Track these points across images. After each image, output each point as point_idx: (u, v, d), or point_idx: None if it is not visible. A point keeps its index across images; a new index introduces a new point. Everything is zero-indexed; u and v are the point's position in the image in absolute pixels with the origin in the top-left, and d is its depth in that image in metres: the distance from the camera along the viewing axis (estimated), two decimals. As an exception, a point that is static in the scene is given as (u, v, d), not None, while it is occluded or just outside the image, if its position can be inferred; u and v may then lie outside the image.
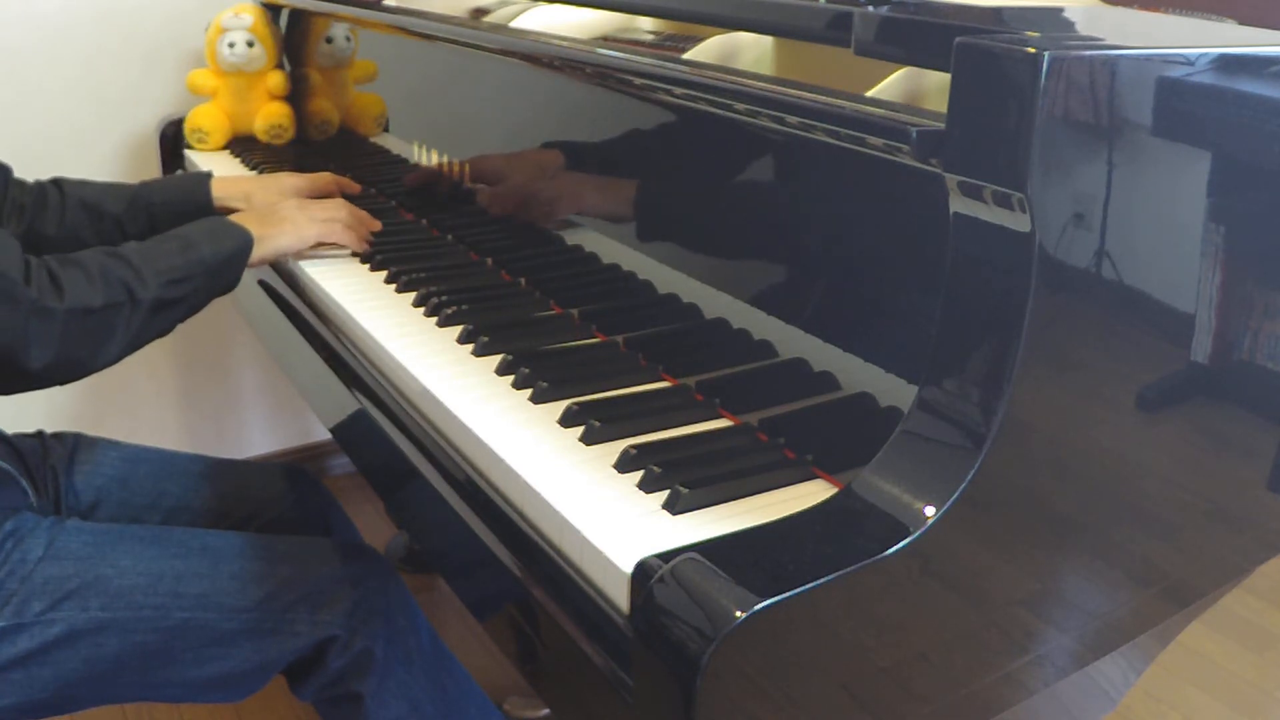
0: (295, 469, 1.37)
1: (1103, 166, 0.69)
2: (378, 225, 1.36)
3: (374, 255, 1.30)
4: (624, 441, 0.85)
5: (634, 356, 1.01)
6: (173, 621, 1.05)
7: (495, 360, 1.01)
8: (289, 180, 1.41)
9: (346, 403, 1.11)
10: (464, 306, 1.13)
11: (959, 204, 0.70)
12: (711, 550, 0.67)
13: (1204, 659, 1.91)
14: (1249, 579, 1.00)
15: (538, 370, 0.97)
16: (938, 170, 0.70)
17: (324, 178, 1.44)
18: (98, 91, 1.97)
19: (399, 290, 1.21)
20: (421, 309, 1.15)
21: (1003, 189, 0.66)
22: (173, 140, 1.92)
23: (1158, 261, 0.76)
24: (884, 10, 0.79)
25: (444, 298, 1.15)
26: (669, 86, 0.95)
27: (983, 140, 0.67)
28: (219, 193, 1.35)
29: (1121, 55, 0.68)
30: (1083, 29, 0.85)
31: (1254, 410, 0.89)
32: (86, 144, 1.98)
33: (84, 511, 1.23)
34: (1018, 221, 0.67)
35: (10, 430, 1.25)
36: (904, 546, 0.66)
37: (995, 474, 0.68)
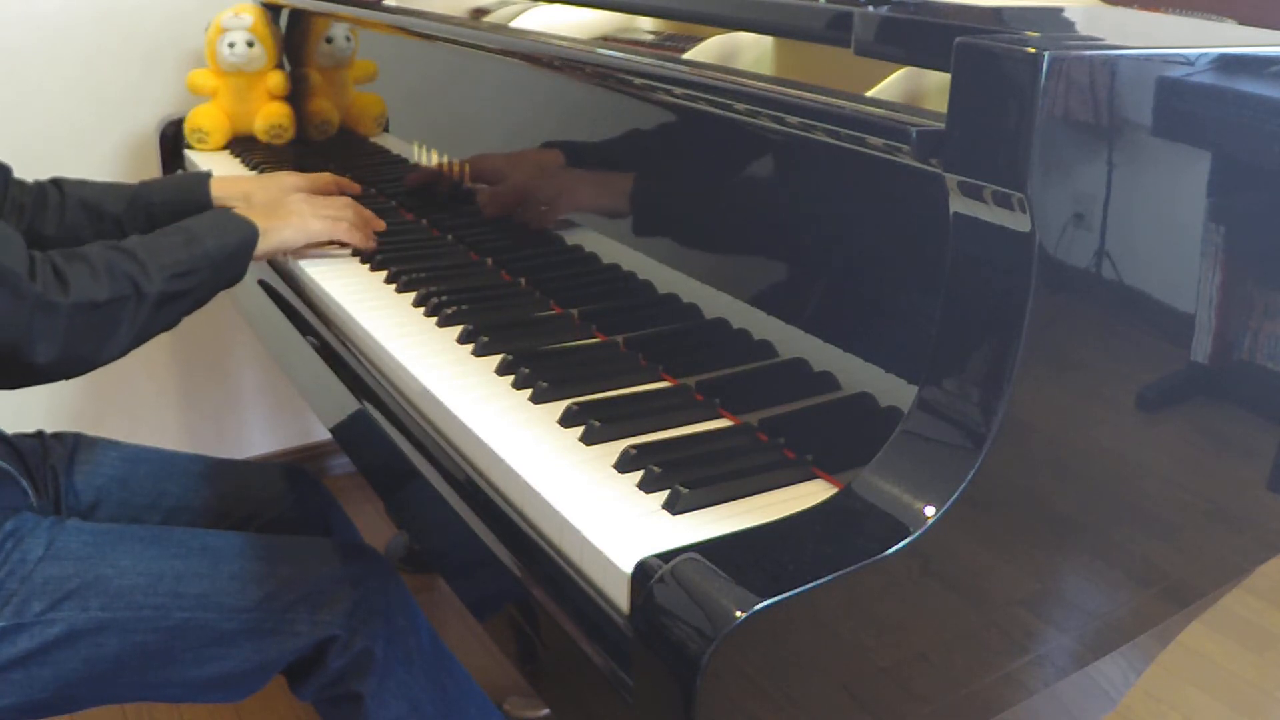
0: (295, 469, 1.37)
1: (1103, 166, 0.69)
2: (382, 225, 1.36)
3: (374, 255, 1.30)
4: (624, 441, 0.85)
5: (634, 356, 1.01)
6: (173, 621, 1.05)
7: (495, 360, 1.01)
8: (289, 179, 1.41)
9: (346, 403, 1.11)
10: (464, 306, 1.13)
11: (959, 204, 0.70)
12: (711, 550, 0.67)
13: (1204, 659, 1.91)
14: (1249, 579, 1.00)
15: (538, 370, 0.97)
16: (938, 170, 0.70)
17: (324, 177, 1.44)
18: (98, 91, 1.97)
19: (399, 290, 1.21)
20: (421, 309, 1.15)
21: (1003, 189, 0.66)
22: (173, 140, 1.92)
23: (1158, 261, 0.76)
24: (884, 10, 0.79)
25: (444, 298, 1.15)
26: (669, 86, 0.95)
27: (983, 140, 0.67)
28: (218, 192, 1.35)
29: (1121, 55, 0.68)
30: (1083, 29, 0.85)
31: (1254, 410, 0.89)
32: (86, 144, 1.98)
33: (84, 511, 1.23)
34: (1018, 221, 0.67)
35: (10, 430, 1.25)
36: (904, 546, 0.66)
37: (995, 474, 0.68)
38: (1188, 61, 0.72)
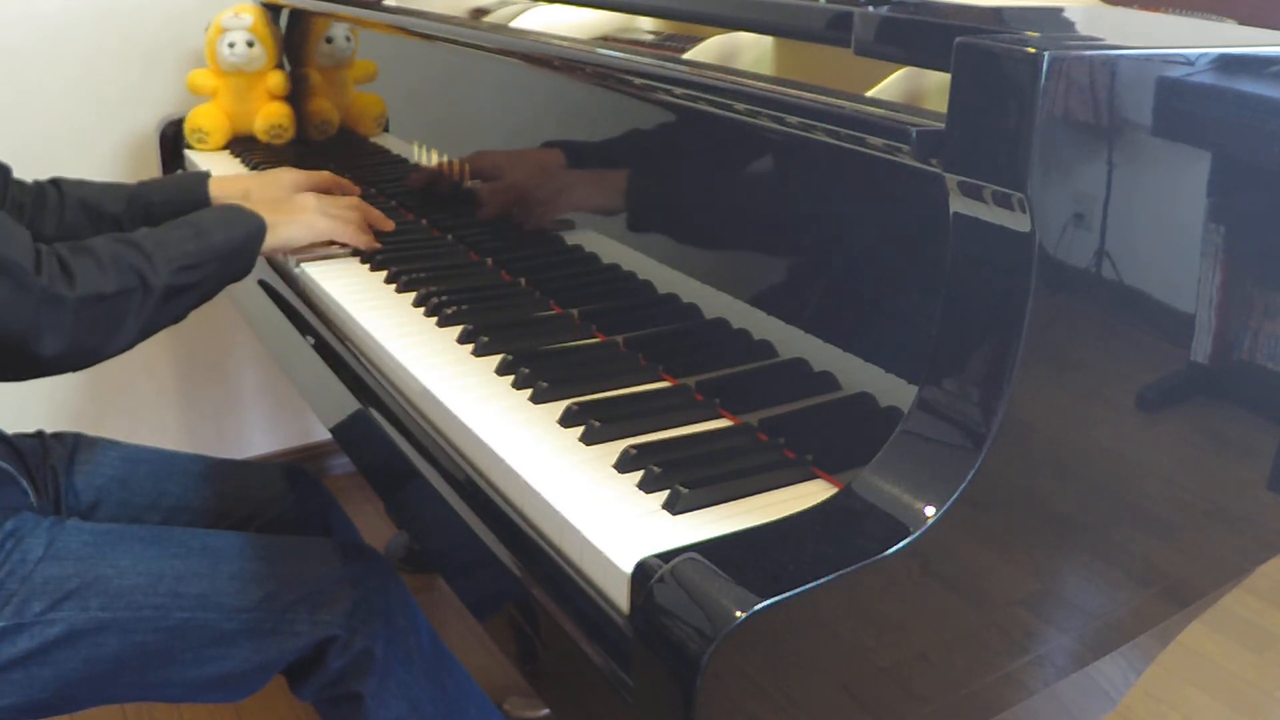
0: (295, 469, 1.37)
1: (1103, 166, 0.69)
2: (390, 225, 1.36)
3: (374, 255, 1.30)
4: (624, 441, 0.85)
5: (634, 356, 1.01)
6: (173, 621, 1.05)
7: (495, 360, 1.01)
8: (288, 176, 1.40)
9: (346, 403, 1.11)
10: (464, 306, 1.13)
11: (959, 204, 0.70)
12: (711, 550, 0.67)
13: (1204, 659, 1.91)
14: (1249, 579, 1.00)
15: (538, 370, 0.97)
16: (938, 170, 0.70)
17: (322, 175, 1.44)
18: (98, 91, 1.97)
19: (399, 290, 1.21)
20: (421, 309, 1.15)
21: (1003, 189, 0.66)
22: (173, 140, 1.92)
23: (1158, 261, 0.76)
24: (884, 10, 0.79)
25: (444, 298, 1.15)
26: (669, 86, 0.95)
27: (983, 140, 0.67)
28: (217, 191, 1.35)
29: (1121, 55, 0.68)
30: (1083, 29, 0.85)
31: (1254, 410, 0.89)
32: (86, 144, 1.98)
33: (84, 511, 1.23)
34: (1018, 221, 0.67)
35: (10, 430, 1.25)
36: (904, 546, 0.66)
37: (995, 474, 0.68)
38: (1188, 61, 0.72)
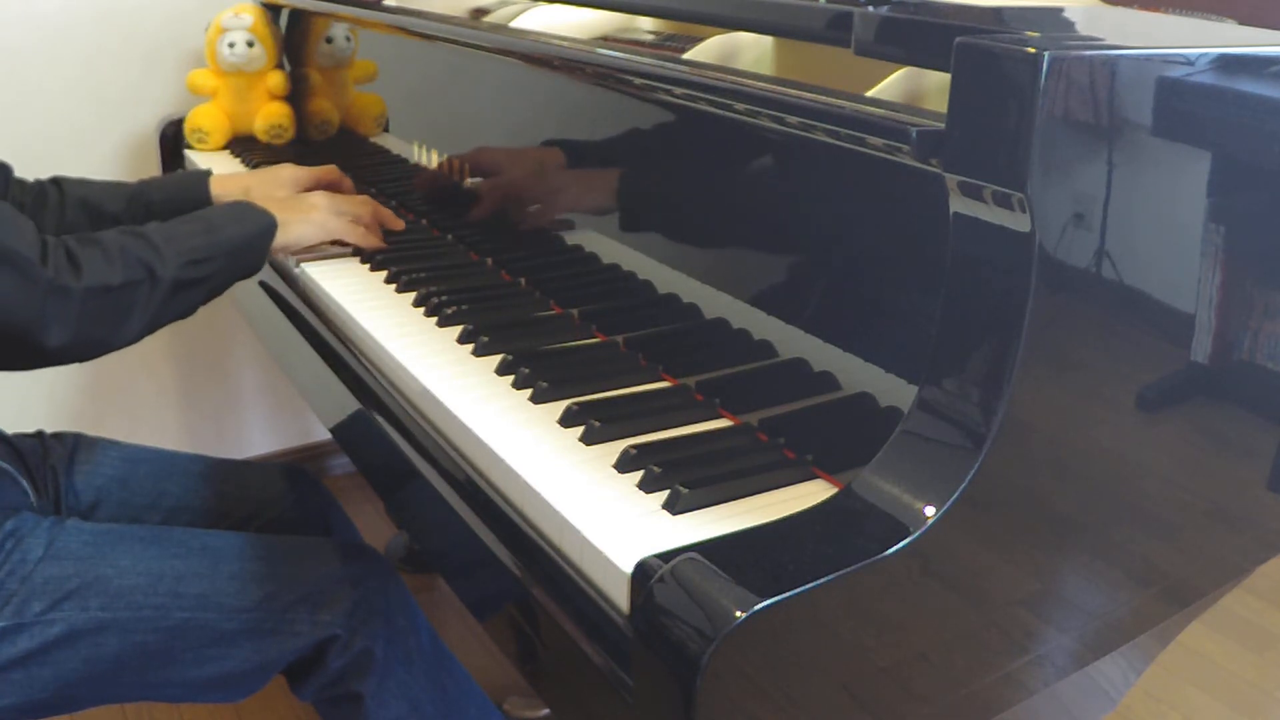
0: (295, 469, 1.37)
1: (1103, 166, 0.69)
2: (400, 224, 1.36)
3: (374, 255, 1.30)
4: (624, 441, 0.85)
5: (634, 356, 1.01)
6: (173, 621, 1.05)
7: (495, 360, 1.01)
8: (288, 173, 1.40)
9: (346, 403, 1.11)
10: (464, 306, 1.13)
11: (959, 204, 0.70)
12: (711, 550, 0.67)
13: (1204, 659, 1.91)
14: (1249, 579, 1.00)
15: (538, 370, 0.97)
16: (938, 170, 0.70)
17: (325, 170, 1.44)
18: (98, 91, 1.97)
19: (399, 290, 1.21)
20: (421, 309, 1.15)
21: (1003, 189, 0.66)
22: (173, 140, 1.92)
23: (1158, 261, 0.76)
24: (884, 10, 0.79)
25: (444, 298, 1.15)
26: (669, 86, 0.95)
27: (983, 140, 0.67)
28: (218, 190, 1.35)
29: (1121, 55, 0.68)
30: (1083, 29, 0.85)
31: (1254, 410, 0.89)
32: (86, 144, 1.98)
33: (84, 511, 1.23)
34: (1018, 221, 0.67)
35: (10, 430, 1.25)
36: (904, 546, 0.66)
37: (995, 474, 0.68)
38: (1188, 61, 0.72)
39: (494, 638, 1.07)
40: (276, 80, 1.84)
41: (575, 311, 1.12)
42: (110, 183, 1.34)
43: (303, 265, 1.28)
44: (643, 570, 0.68)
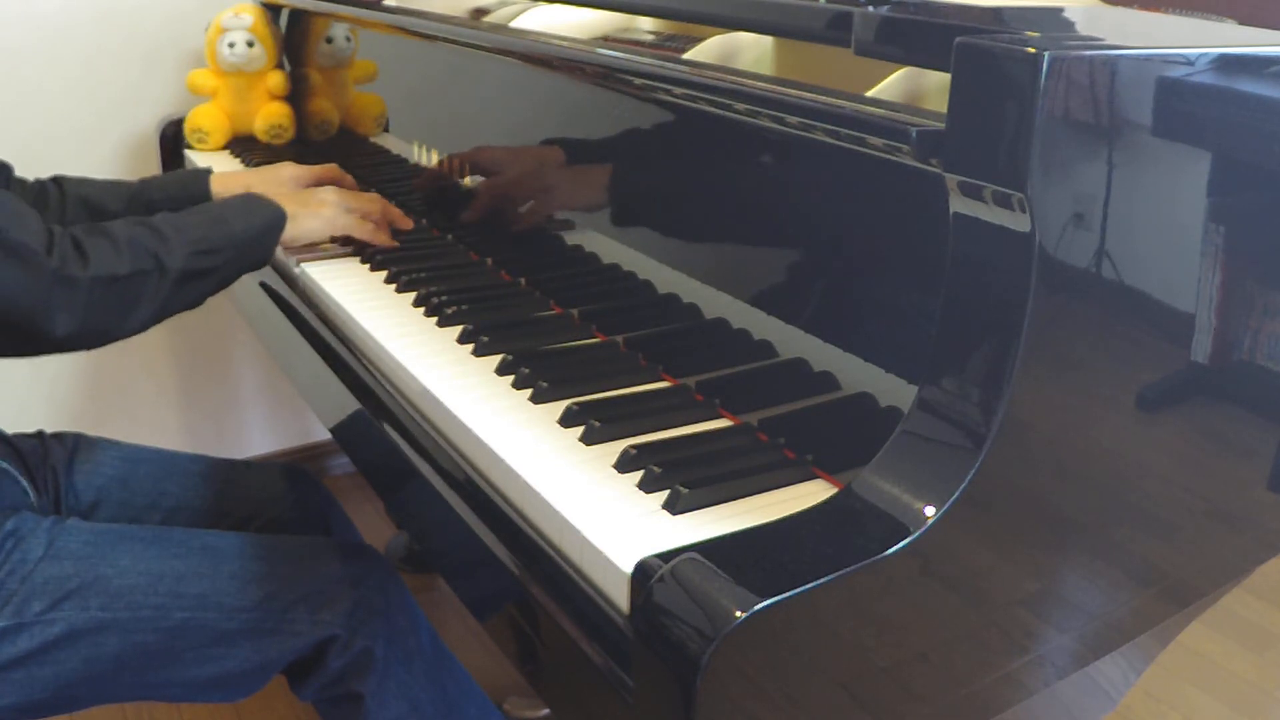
0: (295, 469, 1.37)
1: (1103, 166, 0.69)
2: (409, 224, 1.36)
3: (374, 255, 1.30)
4: (624, 441, 0.85)
5: (634, 356, 1.01)
6: (173, 621, 1.05)
7: (495, 360, 1.01)
8: (288, 171, 1.40)
9: (346, 403, 1.11)
10: (464, 306, 1.13)
11: (959, 204, 0.70)
12: (711, 550, 0.67)
13: (1204, 659, 1.91)
14: (1249, 579, 1.00)
15: (538, 370, 0.97)
16: (938, 170, 0.70)
17: (327, 169, 1.44)
18: (98, 91, 1.97)
19: (399, 290, 1.21)
20: (421, 309, 1.15)
21: (1003, 189, 0.66)
22: (173, 140, 1.92)
23: (1158, 261, 0.76)
24: (884, 10, 0.79)
25: (444, 298, 1.15)
26: (669, 86, 0.94)
27: (983, 140, 0.67)
28: (219, 188, 1.35)
29: (1121, 55, 0.68)
30: (1083, 29, 0.85)
31: (1254, 410, 0.89)
32: (86, 144, 1.98)
33: (84, 511, 1.23)
34: (1018, 221, 0.67)
35: (10, 430, 1.25)
36: (904, 546, 0.66)
37: (995, 474, 0.68)
38: (1188, 61, 0.72)
39: (494, 638, 1.06)
40: (276, 80, 1.84)
41: (575, 311, 1.12)
42: (111, 181, 1.34)
43: (303, 265, 1.28)
44: (643, 570, 0.68)
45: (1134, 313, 0.76)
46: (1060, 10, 0.95)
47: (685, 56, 1.05)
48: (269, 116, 1.84)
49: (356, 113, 1.69)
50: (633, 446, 0.83)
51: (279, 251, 1.27)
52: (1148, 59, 0.70)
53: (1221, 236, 0.78)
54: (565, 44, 1.13)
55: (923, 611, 0.71)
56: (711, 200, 0.96)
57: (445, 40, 1.32)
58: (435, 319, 1.12)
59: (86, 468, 1.25)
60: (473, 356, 1.03)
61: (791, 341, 0.87)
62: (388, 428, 1.01)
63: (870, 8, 0.80)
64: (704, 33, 1.11)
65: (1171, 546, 0.86)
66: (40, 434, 1.27)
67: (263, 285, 1.40)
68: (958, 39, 0.66)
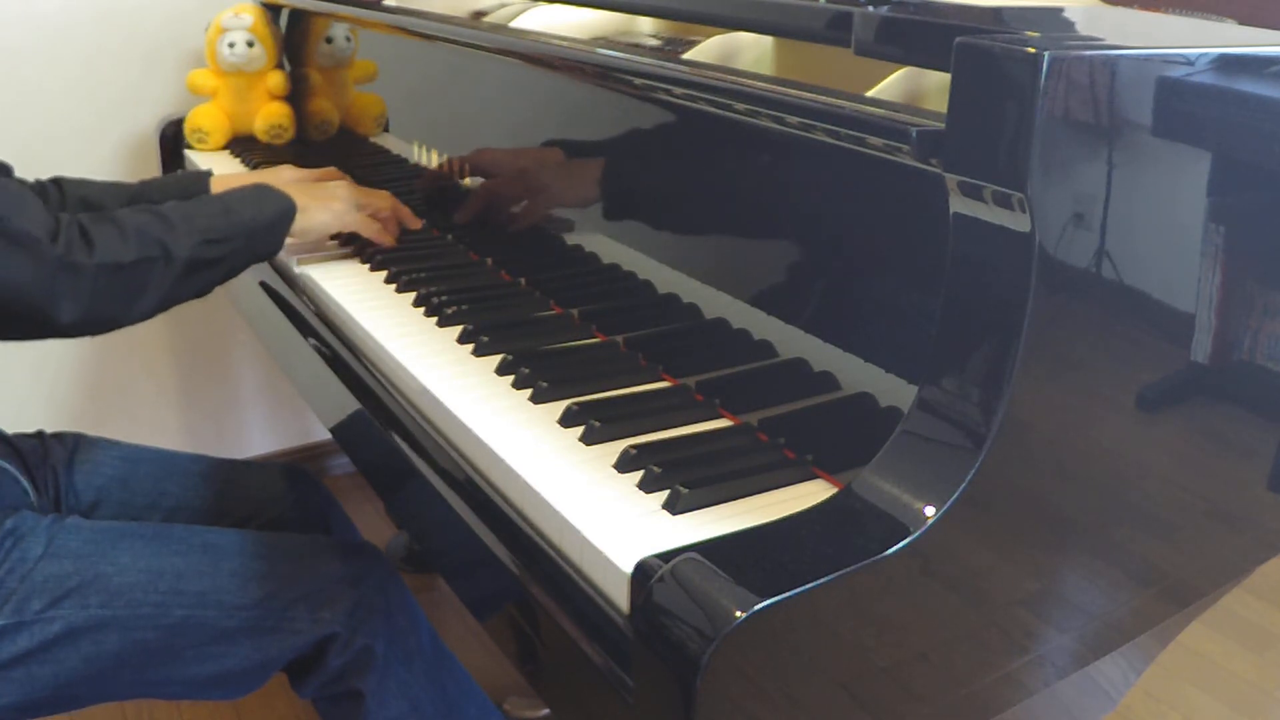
0: (295, 469, 1.37)
1: (1103, 166, 0.69)
2: (418, 224, 1.36)
3: (374, 254, 1.30)
4: (624, 441, 0.85)
5: (634, 356, 1.01)
6: (173, 619, 1.05)
7: (495, 360, 1.01)
8: (288, 174, 1.41)
9: (346, 403, 1.11)
10: (464, 306, 1.13)
11: (959, 204, 0.70)
12: (711, 550, 0.68)
13: (1204, 659, 1.91)
14: (1249, 579, 1.00)
15: (538, 370, 0.97)
16: (938, 170, 0.70)
17: (327, 172, 1.44)
18: (98, 91, 1.97)
19: (399, 290, 1.21)
20: (421, 309, 1.15)
21: (1003, 189, 0.66)
22: (173, 140, 1.92)
23: (1158, 261, 0.76)
24: (884, 10, 0.79)
25: (444, 298, 1.15)
26: (669, 86, 0.95)
27: (983, 140, 0.67)
28: (219, 190, 1.35)
29: (1121, 55, 0.68)
30: (1083, 29, 0.85)
31: (1254, 410, 0.89)
32: (86, 144, 1.98)
33: (84, 511, 1.23)
34: (1018, 221, 0.67)
35: (10, 430, 1.25)
36: (904, 546, 0.66)
37: (995, 474, 0.68)
38: (1188, 61, 0.72)
39: (494, 638, 1.07)
40: (276, 80, 1.84)
41: (575, 311, 1.12)
42: (111, 183, 1.34)
43: (303, 265, 1.28)
44: (643, 570, 0.68)
45: (1134, 313, 0.76)
46: (1060, 10, 0.95)
47: (685, 56, 1.05)
48: (269, 116, 1.84)
49: (356, 113, 1.69)
50: (633, 446, 0.83)
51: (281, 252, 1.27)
52: (1148, 59, 0.70)
53: (1221, 236, 0.78)
54: (565, 44, 1.13)
55: (923, 611, 0.71)
56: (711, 200, 0.96)
57: (445, 40, 1.32)
58: (435, 319, 1.12)
59: (86, 467, 1.25)
60: (473, 356, 1.03)
61: (791, 341, 0.87)
62: (387, 428, 1.01)
63: (870, 8, 0.80)
64: (704, 33, 1.11)
65: (1171, 546, 0.86)
66: (40, 434, 1.27)
67: (263, 285, 1.40)
68: (958, 39, 0.67)
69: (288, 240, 1.20)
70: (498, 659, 1.73)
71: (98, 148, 2.00)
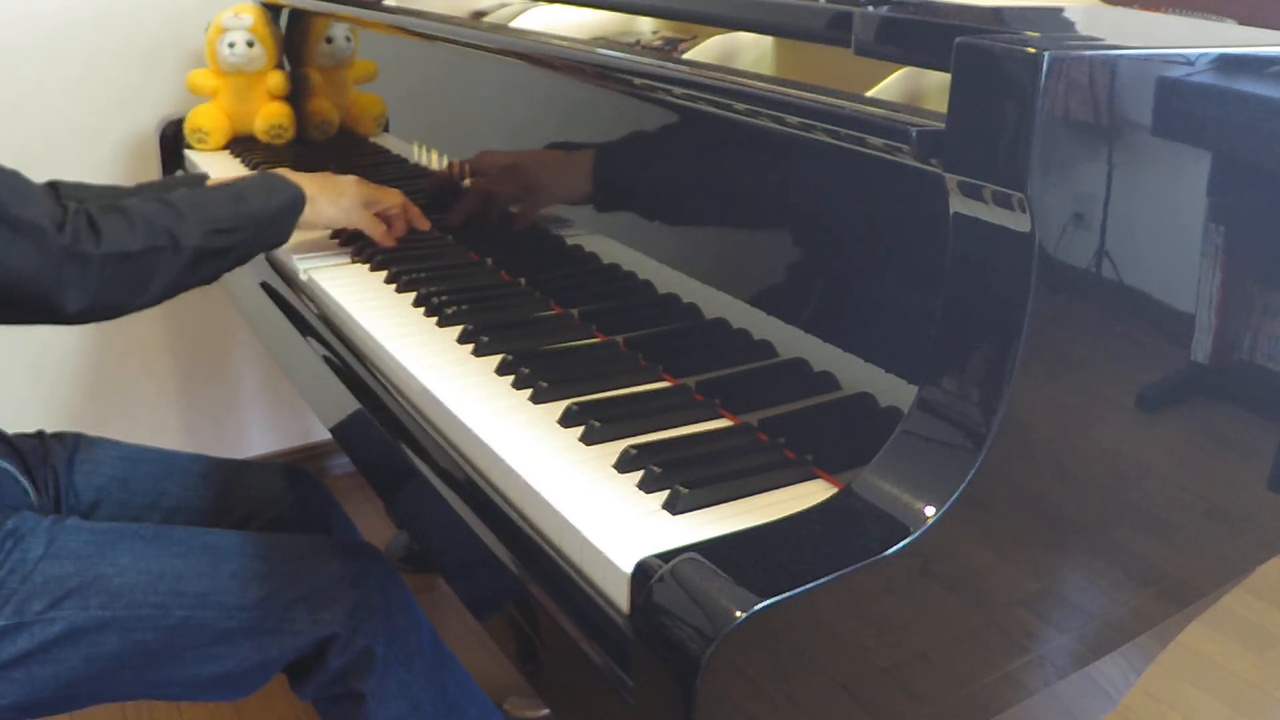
0: (295, 469, 1.37)
1: (1103, 166, 0.69)
2: (427, 225, 1.36)
3: (374, 255, 1.30)
4: (624, 441, 0.85)
5: (634, 356, 1.01)
6: (173, 620, 1.05)
7: (495, 360, 1.01)
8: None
9: (346, 403, 1.11)
10: (464, 306, 1.13)
11: (959, 204, 0.70)
12: (711, 550, 0.68)
13: (1204, 659, 1.91)
14: (1249, 579, 1.00)
15: (538, 370, 0.97)
16: (938, 170, 0.70)
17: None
18: (98, 91, 1.97)
19: (399, 290, 1.21)
20: (422, 309, 1.15)
21: (1003, 189, 0.66)
22: (173, 140, 1.92)
23: (1158, 261, 0.76)
24: (884, 10, 0.79)
25: (444, 298, 1.15)
26: (669, 86, 0.95)
27: (983, 140, 0.67)
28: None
29: (1121, 55, 0.68)
30: (1083, 29, 0.85)
31: (1254, 410, 0.89)
32: (86, 144, 1.98)
33: (84, 511, 1.23)
34: (1018, 221, 0.67)
35: (10, 430, 1.25)
36: (904, 546, 0.66)
37: (995, 474, 0.68)
38: (1188, 61, 0.72)
39: (494, 638, 1.07)
40: (276, 80, 1.84)
41: (575, 311, 1.12)
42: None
43: (303, 265, 1.28)
44: (643, 570, 0.68)
45: (1134, 313, 0.76)
46: (1060, 10, 0.95)
47: (685, 56, 1.05)
48: (269, 116, 1.84)
49: (356, 113, 1.69)
50: (633, 446, 0.83)
51: (280, 251, 1.27)
52: (1148, 59, 0.70)
53: (1221, 236, 0.78)
54: (565, 44, 1.13)
55: (923, 611, 0.71)
56: (711, 200, 0.96)
57: (445, 40, 1.32)
58: (435, 319, 1.12)
59: (86, 467, 1.24)
60: (473, 356, 1.03)
61: (791, 341, 0.87)
62: (387, 428, 1.01)
63: (870, 8, 0.80)
64: (704, 33, 1.11)
65: (1171, 546, 0.86)
66: (40, 434, 1.26)
67: (263, 285, 1.40)
68: (958, 39, 0.67)
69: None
70: (498, 659, 1.73)
71: (98, 148, 2.00)
